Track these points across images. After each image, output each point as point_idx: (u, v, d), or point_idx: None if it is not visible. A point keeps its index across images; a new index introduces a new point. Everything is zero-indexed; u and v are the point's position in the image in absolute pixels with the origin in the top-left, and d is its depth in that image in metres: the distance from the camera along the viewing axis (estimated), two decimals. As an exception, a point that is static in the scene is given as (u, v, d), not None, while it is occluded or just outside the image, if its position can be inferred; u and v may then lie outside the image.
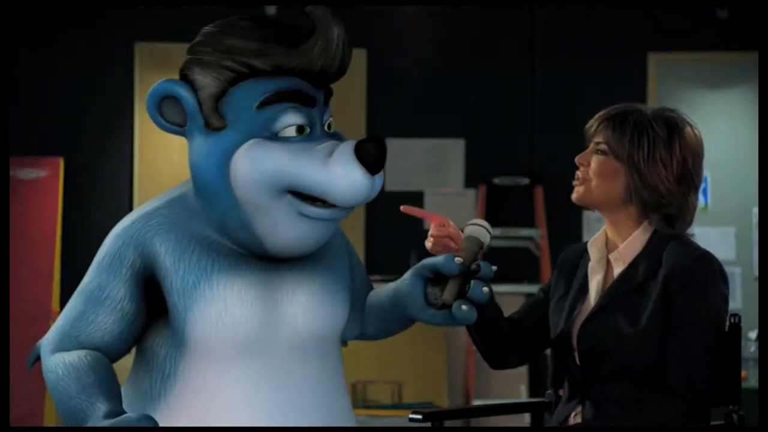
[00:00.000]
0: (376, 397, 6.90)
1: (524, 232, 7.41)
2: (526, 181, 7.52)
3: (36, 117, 7.42)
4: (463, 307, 2.39)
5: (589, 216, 7.20)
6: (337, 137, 2.43)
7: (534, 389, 7.18)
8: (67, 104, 7.50)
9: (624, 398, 2.83)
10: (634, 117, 2.94)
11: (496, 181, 7.54)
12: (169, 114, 2.39)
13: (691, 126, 2.97)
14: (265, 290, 2.39)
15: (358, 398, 6.80)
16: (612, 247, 2.99)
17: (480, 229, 2.57)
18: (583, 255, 3.05)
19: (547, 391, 3.07)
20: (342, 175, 2.30)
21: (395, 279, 2.59)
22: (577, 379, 2.93)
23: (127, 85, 7.48)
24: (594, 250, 3.00)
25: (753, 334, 5.96)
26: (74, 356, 2.34)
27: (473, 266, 2.44)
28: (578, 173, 2.98)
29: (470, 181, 7.66)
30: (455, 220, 2.95)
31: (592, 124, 2.99)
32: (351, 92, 7.49)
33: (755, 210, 7.26)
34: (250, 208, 2.35)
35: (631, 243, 2.94)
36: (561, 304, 3.01)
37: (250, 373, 2.38)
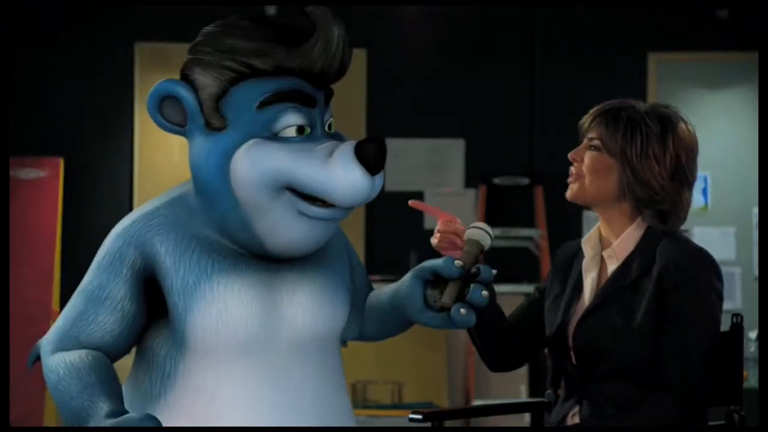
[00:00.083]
0: (376, 397, 6.90)
1: (524, 232, 7.41)
2: (526, 181, 7.52)
3: (36, 117, 7.42)
4: (462, 310, 2.39)
5: (589, 216, 7.21)
6: (338, 137, 2.43)
7: (534, 389, 7.18)
8: (67, 104, 7.50)
9: (621, 397, 2.83)
10: (627, 113, 2.93)
11: (496, 181, 7.54)
12: (170, 114, 2.39)
13: (685, 122, 2.96)
14: (265, 290, 2.39)
15: (358, 398, 6.80)
16: (606, 244, 2.99)
17: (481, 233, 2.56)
18: (577, 253, 3.05)
19: (547, 391, 3.07)
20: (342, 176, 2.30)
21: (395, 279, 2.58)
22: (573, 378, 2.92)
23: (127, 85, 7.48)
24: (588, 248, 3.00)
25: (753, 334, 5.95)
26: (75, 356, 2.34)
27: (473, 269, 2.43)
28: (572, 169, 2.98)
29: (470, 181, 7.66)
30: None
31: (585, 119, 2.99)
32: (351, 92, 7.49)
33: (755, 210, 7.26)
34: (249, 208, 2.35)
35: (625, 240, 2.93)
36: (556, 303, 3.01)
37: (250, 373, 2.38)
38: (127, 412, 2.25)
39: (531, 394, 7.14)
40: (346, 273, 2.56)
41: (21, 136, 7.07)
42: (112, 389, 2.30)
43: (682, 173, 2.92)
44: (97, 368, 2.32)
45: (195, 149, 2.39)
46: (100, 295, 2.38)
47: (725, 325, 3.00)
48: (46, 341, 2.41)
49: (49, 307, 6.83)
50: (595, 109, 3.00)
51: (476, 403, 6.98)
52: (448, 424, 3.10)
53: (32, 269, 6.93)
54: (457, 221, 2.86)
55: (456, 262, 2.42)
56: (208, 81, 2.36)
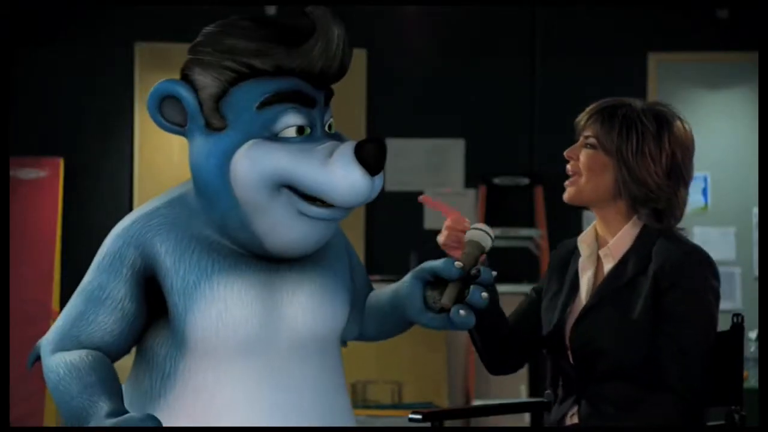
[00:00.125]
0: (376, 397, 6.90)
1: (524, 232, 7.41)
2: (526, 181, 7.52)
3: (36, 117, 7.42)
4: (461, 312, 2.39)
5: (589, 216, 7.18)
6: (338, 138, 2.43)
7: (534, 389, 7.17)
8: (67, 104, 7.50)
9: (620, 397, 2.82)
10: (623, 111, 2.93)
11: (496, 181, 7.54)
12: (170, 114, 2.39)
13: (681, 120, 2.95)
14: (265, 290, 2.39)
15: (358, 398, 6.80)
16: (602, 242, 2.98)
17: (482, 234, 2.55)
18: (573, 252, 3.04)
19: (546, 391, 3.07)
20: (342, 176, 2.30)
21: (395, 279, 2.58)
22: (571, 378, 2.92)
23: (127, 85, 7.48)
24: (584, 246, 2.99)
25: (753, 334, 5.95)
26: (75, 356, 2.34)
27: (473, 271, 2.43)
28: (568, 167, 2.98)
29: (470, 181, 7.66)
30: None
31: (581, 117, 2.99)
32: (351, 92, 7.49)
33: (755, 210, 7.26)
34: (249, 208, 2.34)
35: (621, 238, 2.93)
36: (553, 303, 3.00)
37: (250, 373, 2.38)
38: (127, 412, 2.25)
39: (531, 394, 7.14)
40: (346, 273, 2.56)
41: (21, 136, 7.07)
42: (113, 389, 2.30)
43: (678, 171, 2.91)
44: (98, 368, 2.32)
45: (195, 149, 2.39)
46: (101, 295, 2.38)
47: (725, 325, 3.00)
48: (46, 341, 2.41)
49: (49, 307, 6.83)
50: (591, 107, 2.99)
51: (476, 403, 6.98)
52: (448, 424, 3.10)
53: (32, 269, 6.92)
54: (465, 220, 2.84)
55: (456, 263, 2.42)
56: (208, 81, 2.36)
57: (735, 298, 7.46)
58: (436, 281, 2.47)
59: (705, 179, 7.64)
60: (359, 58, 7.46)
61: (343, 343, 2.62)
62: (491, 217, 7.47)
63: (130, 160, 7.48)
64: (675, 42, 7.68)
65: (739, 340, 2.98)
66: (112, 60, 7.52)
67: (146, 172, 7.44)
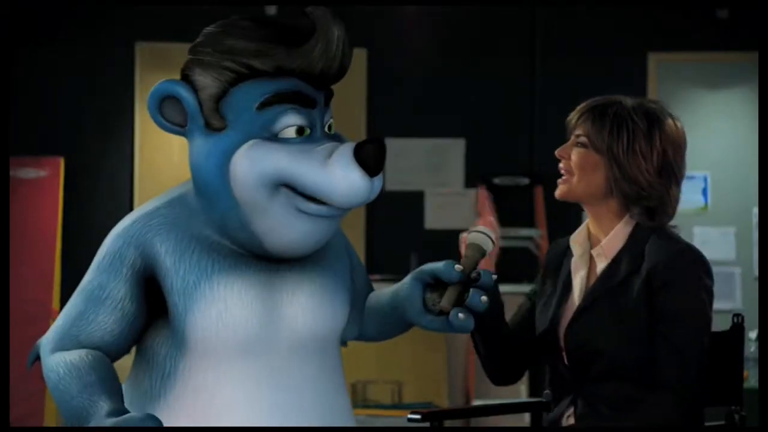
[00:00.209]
0: (376, 397, 6.89)
1: (524, 232, 7.41)
2: (526, 181, 7.52)
3: (36, 117, 7.42)
4: (460, 315, 2.39)
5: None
6: (338, 139, 2.43)
7: (534, 389, 7.18)
8: (67, 104, 7.50)
9: (616, 398, 2.81)
10: (614, 109, 2.92)
11: (496, 181, 7.54)
12: (170, 114, 2.39)
13: (672, 117, 2.94)
14: (265, 291, 2.39)
15: (358, 398, 6.80)
16: (595, 241, 2.97)
17: (483, 237, 2.54)
18: (566, 251, 3.03)
19: (546, 391, 3.06)
20: (341, 177, 2.30)
21: (395, 279, 2.58)
22: (566, 379, 2.92)
23: (127, 85, 7.48)
24: (576, 246, 2.99)
25: (753, 334, 5.95)
26: (75, 355, 2.34)
27: (473, 274, 2.43)
28: (560, 166, 2.97)
29: (470, 181, 7.66)
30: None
31: (572, 116, 2.98)
32: (351, 92, 7.49)
33: (755, 210, 7.26)
34: (249, 209, 2.35)
35: (614, 237, 2.92)
36: (547, 303, 2.99)
37: (250, 374, 2.38)
38: (127, 412, 2.25)
39: (531, 394, 7.14)
40: (346, 273, 2.56)
41: (21, 136, 7.07)
42: (113, 389, 2.31)
43: (670, 169, 2.90)
44: (98, 368, 2.32)
45: (195, 149, 2.39)
46: (101, 295, 2.38)
47: (725, 325, 3.00)
48: (46, 341, 2.41)
49: (49, 307, 6.83)
50: (582, 105, 2.99)
51: (476, 403, 6.98)
52: (447, 424, 3.09)
53: (32, 269, 6.92)
54: (496, 229, 2.82)
55: (456, 266, 2.42)
56: (208, 81, 2.36)
57: (735, 298, 7.45)
58: (436, 283, 2.47)
59: (705, 179, 7.64)
60: (359, 58, 7.46)
61: (343, 343, 2.62)
62: (491, 217, 7.46)
63: (130, 160, 7.48)
64: (675, 42, 7.69)
65: (739, 340, 2.97)
66: (112, 60, 7.52)
67: (146, 172, 7.44)
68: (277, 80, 2.35)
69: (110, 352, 2.39)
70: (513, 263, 7.34)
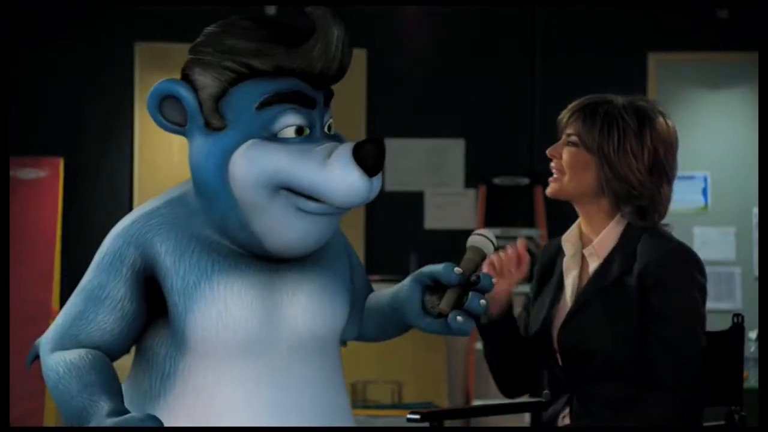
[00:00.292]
0: (376, 397, 6.89)
1: (524, 232, 7.40)
2: (526, 181, 7.52)
3: (36, 117, 7.42)
4: (459, 317, 2.39)
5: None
6: (338, 139, 2.43)
7: (534, 389, 7.17)
8: (67, 104, 7.50)
9: (611, 398, 2.81)
10: (604, 108, 2.92)
11: (496, 181, 7.54)
12: (170, 114, 2.40)
13: (663, 116, 2.93)
14: (265, 291, 2.39)
15: (358, 398, 6.79)
16: (586, 241, 2.96)
17: (484, 240, 2.53)
18: (559, 251, 3.03)
19: (545, 392, 3.06)
20: (340, 177, 2.30)
21: (395, 279, 2.59)
22: (560, 379, 2.91)
23: (127, 85, 7.47)
24: (568, 246, 2.98)
25: (753, 334, 5.95)
26: (75, 355, 2.34)
27: (473, 277, 2.43)
28: (552, 165, 2.97)
29: (470, 181, 7.66)
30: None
31: (563, 115, 2.98)
32: (351, 92, 7.49)
33: (755, 210, 7.26)
34: (248, 208, 2.34)
35: (605, 237, 2.91)
36: (541, 304, 2.99)
37: (250, 374, 2.38)
38: (127, 412, 2.25)
39: (531, 394, 7.13)
40: (345, 273, 2.56)
41: (21, 136, 7.06)
42: (113, 388, 2.30)
43: (661, 168, 2.89)
44: (97, 367, 2.32)
45: (195, 149, 2.39)
46: (100, 295, 2.38)
47: (725, 325, 3.00)
48: (45, 340, 2.41)
49: (49, 307, 6.83)
50: (573, 104, 2.99)
51: (476, 403, 6.98)
52: (447, 424, 3.09)
53: (32, 269, 6.92)
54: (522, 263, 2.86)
55: (456, 269, 2.42)
56: (208, 81, 2.36)
57: (735, 298, 7.45)
58: (435, 286, 2.47)
59: (705, 179, 7.64)
60: (359, 58, 7.46)
61: (343, 343, 2.62)
62: (491, 217, 7.47)
63: (130, 160, 7.48)
64: (675, 42, 7.68)
65: (739, 340, 2.97)
66: (112, 60, 7.52)
67: (146, 172, 7.44)
68: (277, 80, 2.35)
69: (110, 352, 2.39)
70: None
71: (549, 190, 2.97)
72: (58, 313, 2.44)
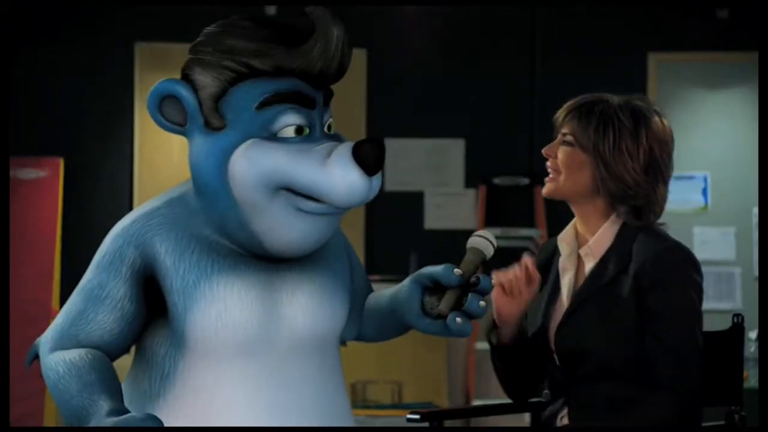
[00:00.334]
0: (376, 397, 6.89)
1: (524, 232, 7.41)
2: (526, 181, 7.52)
3: (36, 117, 7.42)
4: (458, 319, 2.39)
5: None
6: (337, 139, 2.43)
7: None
8: (67, 104, 7.50)
9: (611, 398, 2.80)
10: (600, 107, 2.91)
11: (496, 181, 7.54)
12: (170, 113, 2.40)
13: (659, 115, 2.92)
14: (264, 291, 2.39)
15: (358, 398, 6.79)
16: (582, 241, 2.96)
17: (484, 242, 2.52)
18: (554, 252, 3.03)
19: (545, 391, 3.06)
20: (339, 176, 2.30)
21: (395, 279, 2.59)
22: (557, 379, 2.91)
23: (127, 85, 7.48)
24: (564, 245, 2.97)
25: (753, 334, 5.95)
26: (74, 354, 2.34)
27: (472, 279, 2.42)
28: (548, 164, 2.97)
29: (470, 181, 7.66)
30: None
31: (559, 114, 2.97)
32: (351, 92, 7.49)
33: (755, 210, 7.26)
34: (247, 208, 2.35)
35: (601, 236, 2.90)
36: (537, 304, 2.99)
37: (249, 373, 2.38)
38: (127, 411, 2.25)
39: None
40: (345, 273, 2.56)
41: (21, 136, 7.06)
42: (113, 388, 2.30)
43: (657, 167, 2.88)
44: (97, 367, 2.32)
45: (194, 149, 2.39)
46: (100, 294, 2.38)
47: (725, 325, 3.00)
48: (45, 339, 2.41)
49: (49, 307, 6.83)
50: (568, 103, 2.99)
51: (476, 403, 6.98)
52: (447, 423, 3.09)
53: (32, 269, 6.92)
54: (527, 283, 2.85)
55: (455, 270, 2.41)
56: (207, 81, 2.36)
57: (735, 298, 7.45)
58: (435, 287, 2.47)
59: (705, 179, 7.64)
60: (359, 58, 7.46)
61: (343, 342, 2.62)
62: (491, 217, 7.47)
63: (130, 160, 7.48)
64: (675, 42, 7.68)
65: (739, 340, 2.97)
66: (112, 60, 7.52)
67: (146, 172, 7.44)
68: (277, 80, 2.35)
69: (109, 352, 2.39)
70: (513, 263, 7.34)
71: (545, 191, 2.97)
72: (58, 313, 2.44)
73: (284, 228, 2.35)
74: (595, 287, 2.86)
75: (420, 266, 2.54)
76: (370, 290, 2.70)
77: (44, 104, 7.48)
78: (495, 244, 2.53)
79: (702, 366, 2.79)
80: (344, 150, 2.31)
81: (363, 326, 2.66)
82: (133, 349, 2.47)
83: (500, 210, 7.59)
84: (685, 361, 2.77)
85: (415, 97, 7.68)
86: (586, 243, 2.93)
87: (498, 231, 7.10)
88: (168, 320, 2.39)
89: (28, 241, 6.94)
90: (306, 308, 2.43)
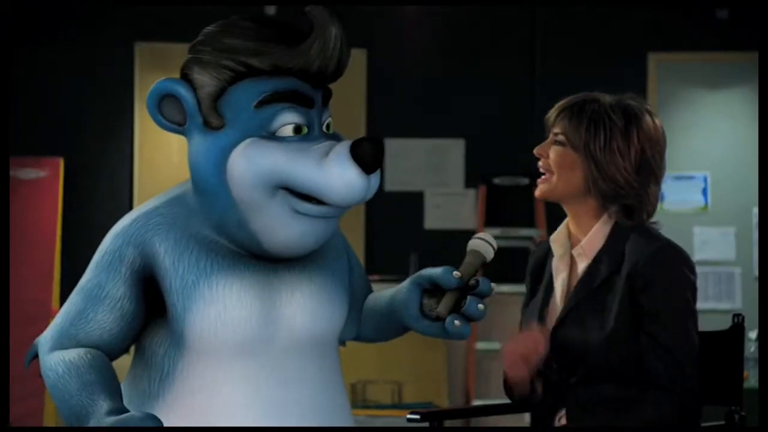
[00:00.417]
0: (376, 397, 6.89)
1: (524, 232, 7.41)
2: (526, 181, 7.51)
3: (36, 117, 7.42)
4: (456, 321, 2.39)
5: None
6: (336, 138, 2.43)
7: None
8: (67, 104, 7.50)
9: (608, 398, 2.79)
10: (591, 107, 2.90)
11: (496, 181, 7.53)
12: (169, 113, 2.40)
13: (651, 115, 2.91)
14: (263, 291, 2.39)
15: (358, 398, 6.79)
16: (575, 241, 2.95)
17: (484, 245, 2.51)
18: (548, 252, 3.02)
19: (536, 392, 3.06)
20: (337, 175, 2.30)
21: (395, 279, 2.58)
22: (553, 381, 2.90)
23: (127, 85, 7.48)
24: (556, 246, 2.96)
25: (753, 334, 5.95)
26: (74, 354, 2.34)
27: (472, 281, 2.42)
28: (540, 164, 2.96)
29: (470, 181, 7.66)
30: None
31: (551, 114, 2.97)
32: (351, 92, 7.49)
33: (755, 210, 7.26)
34: (246, 207, 2.35)
35: (593, 236, 2.89)
36: (532, 306, 2.98)
37: (248, 373, 2.38)
38: (127, 411, 2.25)
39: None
40: (344, 273, 2.56)
41: (21, 136, 7.06)
42: (112, 387, 2.30)
43: (648, 167, 2.87)
44: (97, 366, 2.32)
45: (193, 148, 2.39)
46: (100, 294, 2.38)
47: (725, 325, 3.00)
48: (44, 339, 2.41)
49: (49, 307, 6.83)
50: (560, 103, 2.98)
51: (476, 403, 6.98)
52: (447, 423, 3.09)
53: (32, 269, 6.92)
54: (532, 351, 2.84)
55: (455, 272, 2.41)
56: (206, 80, 2.36)
57: (735, 298, 7.45)
58: (434, 289, 2.46)
59: (705, 179, 7.64)
60: (359, 58, 7.46)
61: (342, 343, 2.62)
62: (491, 217, 7.47)
63: (130, 160, 7.48)
64: (675, 42, 7.68)
65: (739, 340, 2.96)
66: (112, 60, 7.52)
67: (146, 172, 7.44)
68: (275, 79, 2.35)
69: (109, 351, 2.39)
70: (513, 263, 7.34)
71: (538, 192, 2.96)
72: (58, 312, 2.44)
73: (282, 228, 2.35)
74: (588, 288, 2.85)
75: (420, 266, 2.54)
76: (370, 290, 2.70)
77: (44, 104, 7.48)
78: (495, 247, 2.52)
79: (697, 364, 2.79)
80: (342, 148, 2.31)
81: (362, 326, 2.66)
82: (132, 349, 2.47)
83: (500, 210, 7.59)
84: (680, 360, 2.76)
85: (415, 97, 7.68)
86: (579, 243, 2.92)
87: (498, 231, 7.10)
88: (167, 320, 2.39)
89: (28, 241, 6.94)
90: (305, 308, 2.43)
